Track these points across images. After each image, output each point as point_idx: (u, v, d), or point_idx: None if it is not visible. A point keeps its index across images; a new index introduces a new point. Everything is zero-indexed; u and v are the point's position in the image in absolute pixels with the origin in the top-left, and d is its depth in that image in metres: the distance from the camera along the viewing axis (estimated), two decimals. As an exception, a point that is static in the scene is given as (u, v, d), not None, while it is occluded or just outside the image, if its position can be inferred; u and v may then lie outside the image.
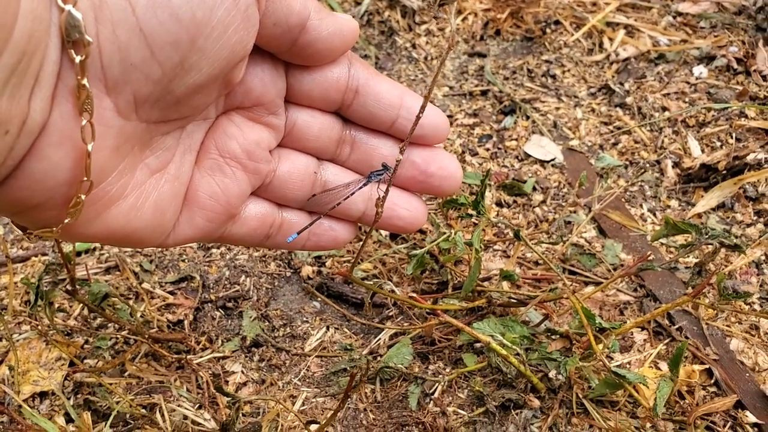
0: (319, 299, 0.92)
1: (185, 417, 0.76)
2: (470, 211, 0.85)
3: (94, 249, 0.97)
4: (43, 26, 0.30)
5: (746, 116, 1.19)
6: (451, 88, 1.33)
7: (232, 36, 0.35)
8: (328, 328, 0.88)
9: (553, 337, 0.82)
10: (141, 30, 0.32)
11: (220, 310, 0.90)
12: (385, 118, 0.47)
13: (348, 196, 0.52)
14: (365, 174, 0.51)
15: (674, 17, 1.48)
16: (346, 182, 0.51)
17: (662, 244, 0.99)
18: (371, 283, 0.93)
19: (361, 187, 0.52)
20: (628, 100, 1.26)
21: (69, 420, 0.76)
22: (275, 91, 0.44)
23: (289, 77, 0.44)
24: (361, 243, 0.99)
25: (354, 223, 0.52)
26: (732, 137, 1.15)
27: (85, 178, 0.34)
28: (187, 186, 0.43)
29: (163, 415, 0.74)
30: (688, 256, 0.97)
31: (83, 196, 0.35)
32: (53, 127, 0.32)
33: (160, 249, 0.97)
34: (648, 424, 0.75)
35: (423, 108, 0.45)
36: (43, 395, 0.79)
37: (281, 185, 0.48)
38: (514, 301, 0.86)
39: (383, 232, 1.01)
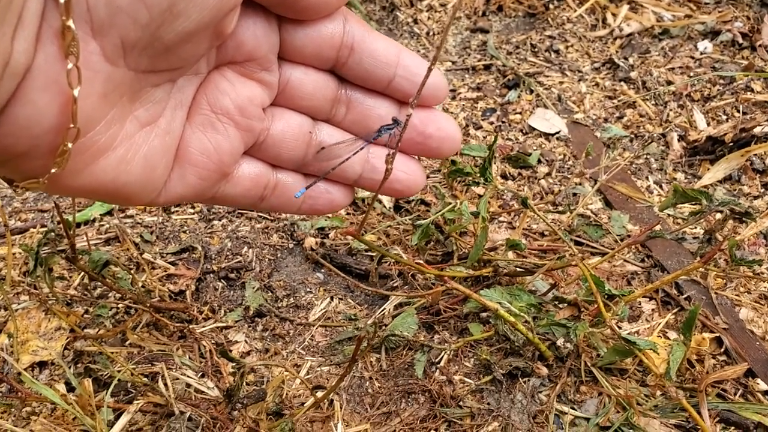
0: (323, 270, 0.91)
1: (188, 385, 0.74)
2: (476, 180, 0.84)
3: (94, 220, 0.96)
4: None
5: (752, 90, 1.18)
6: (453, 62, 1.31)
7: None
8: (332, 298, 0.87)
9: (561, 305, 0.81)
10: None
11: (222, 280, 0.89)
12: (381, 77, 0.46)
13: (358, 151, 0.50)
14: (362, 135, 0.49)
15: (678, -7, 1.47)
16: (353, 137, 0.50)
17: (669, 215, 0.98)
18: (372, 255, 0.92)
19: (371, 142, 0.50)
20: (633, 74, 1.25)
21: (70, 389, 0.74)
22: (268, 46, 0.42)
23: (282, 32, 0.42)
24: (365, 213, 0.98)
25: (351, 187, 0.51)
26: (738, 111, 1.14)
27: (72, 125, 0.32)
28: (178, 142, 0.41)
29: (165, 384, 0.73)
30: (696, 227, 0.96)
31: (70, 144, 0.33)
32: (38, 70, 0.31)
33: (161, 220, 0.96)
34: (658, 392, 0.74)
35: (433, 64, 0.44)
36: (42, 365, 0.78)
37: (275, 144, 0.46)
38: (521, 270, 0.85)
39: (387, 203, 0.99)
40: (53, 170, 0.34)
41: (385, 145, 0.50)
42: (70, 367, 0.77)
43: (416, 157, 0.50)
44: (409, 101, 0.47)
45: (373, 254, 0.93)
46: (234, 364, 0.70)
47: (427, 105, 0.47)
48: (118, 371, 0.75)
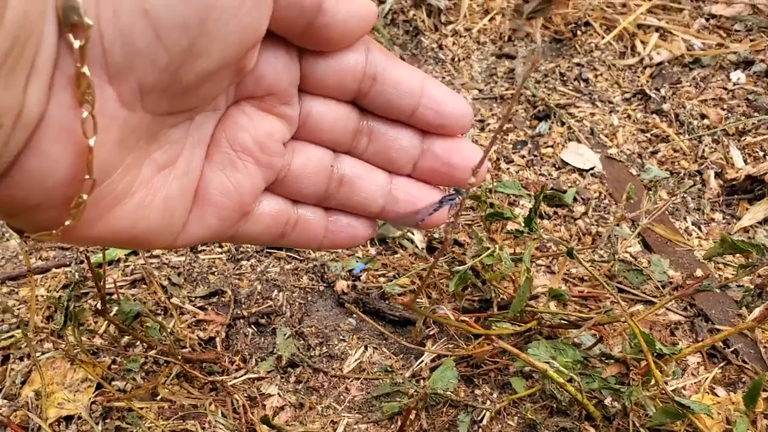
0: (355, 315, 0.88)
1: (222, 445, 0.71)
2: (520, 228, 0.81)
3: (118, 260, 0.93)
4: (38, 7, 0.27)
5: (789, 125, 1.15)
6: (480, 90, 1.29)
7: (244, 18, 0.31)
8: (366, 347, 0.84)
9: (608, 361, 0.78)
10: (146, 11, 0.28)
11: (252, 326, 0.86)
12: (404, 107, 0.43)
13: (421, 221, 0.48)
14: (384, 166, 0.46)
15: (707, 19, 1.44)
16: (415, 209, 0.48)
17: (710, 260, 0.96)
18: (421, 307, 0.89)
19: (432, 213, 0.48)
20: (665, 106, 1.22)
21: (99, 447, 0.71)
22: (288, 79, 0.39)
23: (302, 64, 0.40)
24: (427, 268, 0.95)
25: (373, 220, 0.48)
26: (775, 147, 1.11)
27: (87, 176, 0.30)
28: (197, 182, 0.39)
29: (200, 445, 0.70)
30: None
31: (85, 196, 0.31)
32: (51, 119, 0.29)
33: (188, 262, 0.93)
34: (711, 457, 0.72)
35: (486, 155, 0.42)
36: (69, 419, 0.75)
37: (296, 179, 0.44)
38: (565, 321, 0.82)
39: (419, 243, 0.96)
40: (68, 222, 0.32)
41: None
42: (98, 423, 0.74)
43: (441, 188, 0.48)
44: (438, 131, 0.45)
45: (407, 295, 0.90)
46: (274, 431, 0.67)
47: (450, 133, 0.45)
48: (149, 429, 0.72)
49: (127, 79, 0.30)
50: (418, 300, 0.88)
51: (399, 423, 0.74)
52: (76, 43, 0.28)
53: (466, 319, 0.72)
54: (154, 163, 0.36)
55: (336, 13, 0.36)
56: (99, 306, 0.73)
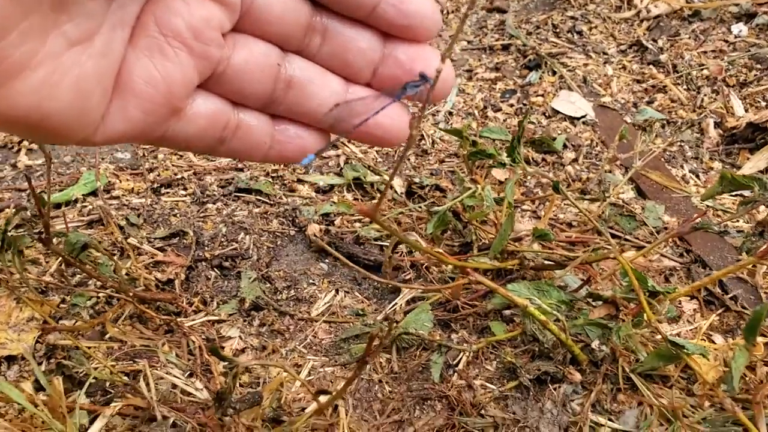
0: (328, 260, 0.82)
1: (174, 386, 0.66)
2: (501, 162, 0.75)
3: (76, 201, 0.87)
4: None
5: (793, 75, 1.09)
6: (469, 42, 1.23)
7: None
8: (337, 291, 0.79)
9: (596, 303, 0.72)
10: None
11: (215, 269, 0.80)
12: (363, 2, 0.37)
13: (378, 111, 0.42)
14: (339, 70, 0.40)
15: (708, -25, 1.38)
16: (373, 94, 0.41)
17: (709, 206, 0.90)
18: (382, 245, 0.84)
19: (395, 100, 0.42)
20: (662, 57, 1.16)
21: (40, 387, 0.65)
22: None
23: None
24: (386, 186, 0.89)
25: (326, 132, 0.42)
26: (778, 97, 1.05)
27: None
28: (118, 67, 0.33)
29: (147, 384, 0.64)
30: (739, 220, 0.88)
31: None
32: None
33: (150, 202, 0.87)
34: (707, 403, 0.66)
35: (447, 52, 0.36)
36: (11, 359, 0.69)
37: (236, 77, 0.38)
38: (550, 263, 0.76)
39: (398, 188, 0.90)
40: None
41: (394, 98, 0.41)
42: (41, 363, 0.68)
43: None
44: (401, 33, 0.39)
45: (384, 243, 0.84)
46: (225, 363, 0.61)
47: (415, 38, 0.39)
48: (95, 369, 0.66)
49: None
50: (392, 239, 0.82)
51: (368, 365, 0.68)
52: None
53: (440, 250, 0.66)
54: (64, 37, 0.30)
55: None
56: (44, 235, 0.67)
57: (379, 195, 0.92)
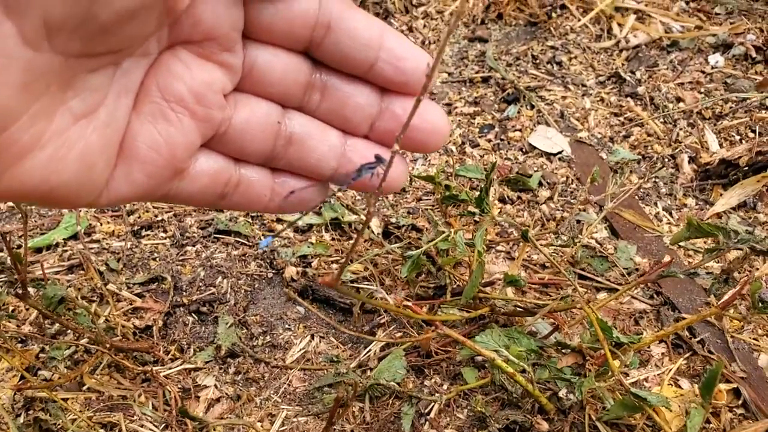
0: (304, 303, 0.83)
1: (149, 439, 0.67)
2: (472, 209, 0.76)
3: (57, 245, 0.88)
4: None
5: (767, 108, 1.11)
6: (449, 74, 1.24)
7: None
8: (312, 336, 0.80)
9: (564, 351, 0.74)
10: None
11: (193, 315, 0.81)
12: (361, 60, 0.38)
13: (331, 196, 0.43)
14: (338, 125, 0.42)
15: (687, 2, 1.40)
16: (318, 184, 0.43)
17: (680, 246, 0.91)
18: (361, 290, 0.85)
19: (348, 185, 0.43)
20: (640, 89, 1.18)
21: (17, 441, 0.67)
22: (230, 23, 0.35)
23: (247, 7, 0.35)
24: (352, 242, 0.91)
25: (325, 183, 0.43)
26: (752, 131, 1.07)
27: None
28: (122, 135, 0.34)
29: (122, 438, 0.66)
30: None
31: None
32: None
33: (129, 247, 0.88)
34: (670, 452, 0.67)
35: (430, 79, 0.37)
36: (-10, 411, 0.70)
37: (238, 136, 0.39)
38: (521, 309, 0.77)
39: (375, 229, 0.92)
40: None
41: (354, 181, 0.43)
42: (20, 415, 0.69)
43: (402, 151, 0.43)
44: (398, 89, 0.40)
45: (361, 286, 0.85)
46: (196, 423, 0.63)
47: (411, 92, 0.40)
48: (73, 421, 0.67)
49: (29, 14, 0.26)
50: (369, 287, 0.83)
51: (341, 417, 0.70)
52: None
53: (409, 304, 0.67)
54: (70, 112, 0.31)
55: None
56: (20, 290, 0.68)
57: (354, 232, 0.93)
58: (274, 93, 0.39)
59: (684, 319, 0.82)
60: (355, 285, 0.86)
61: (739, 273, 0.88)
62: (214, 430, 0.68)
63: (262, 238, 0.92)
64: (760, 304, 0.66)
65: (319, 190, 0.43)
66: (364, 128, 0.41)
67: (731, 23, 1.31)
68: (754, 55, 1.23)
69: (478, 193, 0.73)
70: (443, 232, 0.81)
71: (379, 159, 0.43)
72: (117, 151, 0.34)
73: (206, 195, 0.39)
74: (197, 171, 0.38)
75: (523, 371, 0.68)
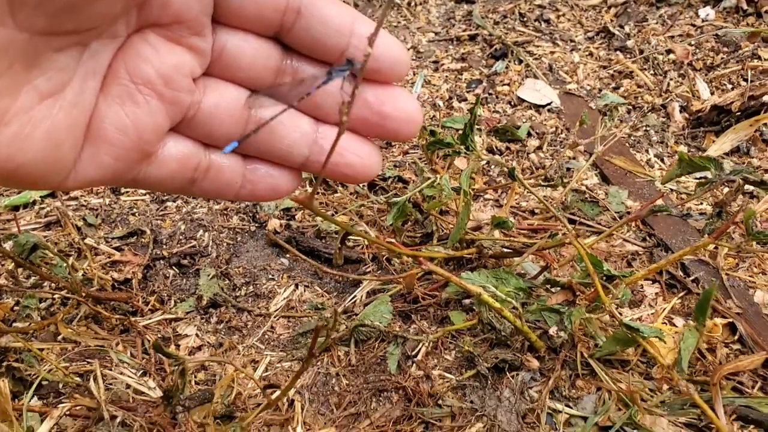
0: (289, 255, 0.81)
1: (127, 386, 0.65)
2: (457, 150, 0.74)
3: (34, 203, 0.86)
4: None
5: (759, 57, 1.09)
6: (436, 33, 1.22)
7: None
8: (297, 285, 0.78)
9: (554, 289, 0.72)
10: None
11: (173, 267, 0.79)
12: (332, 47, 0.38)
13: (303, 97, 0.41)
14: (308, 111, 0.40)
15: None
16: (297, 78, 0.41)
17: (672, 190, 0.89)
18: (339, 222, 0.83)
19: (320, 85, 0.41)
20: (629, 43, 1.16)
21: (-9, 391, 0.65)
22: (199, 7, 0.34)
23: None
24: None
25: (296, 171, 0.42)
26: (744, 79, 1.05)
27: None
28: (89, 116, 0.34)
29: (97, 383, 0.63)
30: (702, 203, 0.87)
31: None
32: None
33: (108, 202, 0.86)
34: (665, 386, 0.65)
35: (374, 34, 0.35)
36: (-37, 364, 0.68)
37: (207, 120, 0.38)
38: (509, 250, 0.75)
39: (360, 182, 0.90)
40: None
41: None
42: (-7, 367, 0.67)
43: (372, 139, 0.42)
44: (369, 75, 0.39)
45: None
46: (172, 360, 0.61)
47: (384, 80, 0.39)
48: (48, 371, 0.65)
49: None
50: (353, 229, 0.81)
51: (324, 358, 0.68)
52: None
53: (393, 240, 0.65)
54: (36, 91, 0.31)
55: None
56: (-10, 237, 0.66)
57: (339, 185, 0.91)
58: (243, 78, 0.38)
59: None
60: (335, 218, 0.84)
61: (732, 207, 0.86)
62: (195, 376, 0.66)
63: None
64: (755, 232, 0.64)
65: (291, 177, 0.42)
66: (336, 115, 0.39)
67: (721, -23, 1.29)
68: (745, 7, 1.21)
69: (462, 132, 0.71)
70: (429, 179, 0.79)
71: (350, 62, 0.41)
72: (84, 132, 0.34)
73: (175, 180, 0.38)
74: (166, 155, 0.37)
75: (513, 308, 0.66)
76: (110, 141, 0.34)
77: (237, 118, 0.38)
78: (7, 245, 0.77)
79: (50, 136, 0.32)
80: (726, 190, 0.85)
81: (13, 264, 0.76)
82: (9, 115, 0.30)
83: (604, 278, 0.67)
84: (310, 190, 0.89)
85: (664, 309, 0.74)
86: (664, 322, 0.74)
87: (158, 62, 0.34)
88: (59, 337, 0.69)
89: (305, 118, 0.40)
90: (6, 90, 0.29)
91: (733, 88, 1.04)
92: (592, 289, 0.68)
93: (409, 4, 1.28)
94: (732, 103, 0.98)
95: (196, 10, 0.33)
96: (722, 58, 1.11)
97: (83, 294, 0.69)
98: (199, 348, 0.71)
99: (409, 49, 1.18)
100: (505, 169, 0.91)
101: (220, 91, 0.38)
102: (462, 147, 0.72)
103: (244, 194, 0.41)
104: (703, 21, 1.20)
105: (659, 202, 0.84)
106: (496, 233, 0.78)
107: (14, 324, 0.71)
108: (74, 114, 0.33)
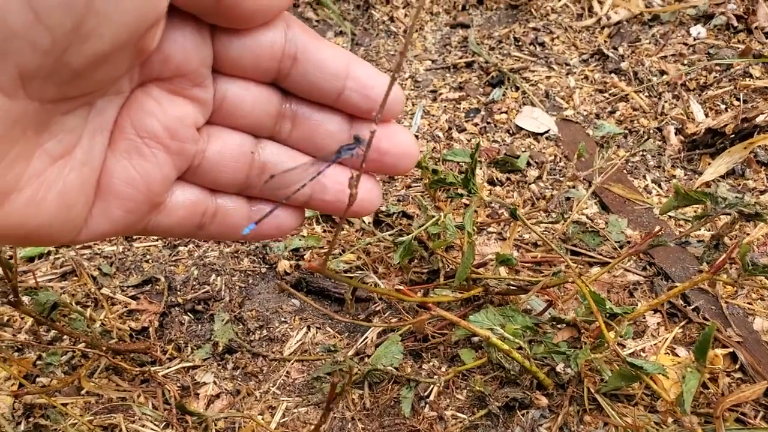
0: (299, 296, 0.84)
1: (150, 438, 0.67)
2: (460, 191, 0.77)
3: (48, 253, 0.88)
4: None
5: (751, 76, 1.11)
6: (433, 61, 1.24)
7: None
8: (309, 328, 0.80)
9: (559, 326, 0.74)
10: None
11: (188, 313, 0.81)
12: (329, 90, 0.40)
13: (314, 177, 0.43)
14: (310, 152, 0.42)
15: (666, -24, 1.40)
16: (308, 160, 0.43)
17: (671, 217, 0.91)
18: (352, 276, 0.85)
19: (330, 165, 0.43)
20: (623, 65, 1.18)
21: (19, 448, 0.67)
22: (199, 59, 0.35)
23: (215, 43, 0.36)
24: (336, 232, 0.91)
25: (300, 209, 0.44)
26: (737, 99, 1.07)
27: None
28: (99, 173, 0.35)
29: (123, 439, 0.66)
30: (700, 229, 0.89)
31: None
32: None
33: (122, 250, 0.88)
34: (670, 419, 0.67)
35: (393, 80, 0.37)
36: (-10, 421, 0.70)
37: (212, 168, 0.40)
38: (514, 288, 0.77)
39: (366, 218, 0.92)
40: None
41: (341, 163, 0.43)
42: (20, 423, 0.69)
43: (373, 174, 0.44)
44: (367, 116, 0.41)
45: (355, 275, 0.85)
46: (195, 418, 0.63)
47: (381, 118, 0.41)
48: (73, 425, 0.68)
49: (4, 65, 0.26)
50: (362, 275, 0.83)
51: (339, 402, 0.70)
52: None
53: (401, 287, 0.67)
54: (47, 154, 0.32)
55: None
56: (12, 297, 0.68)
57: (345, 223, 0.93)
58: (245, 124, 0.39)
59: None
60: (349, 274, 0.86)
61: (730, 239, 0.88)
62: (215, 424, 0.68)
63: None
64: (751, 267, 0.66)
65: (295, 214, 0.44)
66: (345, 158, 0.41)
67: (711, -6, 1.31)
68: (735, 24, 1.23)
69: (464, 174, 0.73)
70: (433, 217, 0.81)
71: (357, 139, 0.44)
72: (95, 189, 0.35)
73: (184, 226, 0.40)
74: (174, 203, 0.39)
75: (520, 348, 0.68)
76: (120, 195, 0.36)
77: (241, 163, 0.40)
78: (25, 298, 0.79)
79: (63, 197, 0.33)
80: (723, 220, 0.87)
81: (33, 321, 0.79)
82: (23, 181, 0.31)
83: (607, 315, 0.69)
84: (317, 228, 0.92)
85: (666, 339, 0.76)
86: (667, 353, 0.76)
87: (162, 115, 0.36)
88: (82, 392, 0.71)
89: (306, 158, 0.42)
90: (19, 157, 0.30)
91: (727, 109, 1.06)
92: (596, 327, 0.70)
93: (404, 32, 1.30)
94: (726, 125, 1.00)
95: (196, 62, 0.35)
96: (715, 77, 1.13)
97: (104, 348, 0.72)
98: (218, 396, 0.73)
99: (407, 79, 1.20)
100: (508, 202, 0.94)
101: (223, 139, 0.40)
102: (465, 190, 0.74)
103: (250, 235, 0.43)
104: (695, 39, 1.22)
105: (658, 233, 0.86)
106: (501, 270, 0.81)
107: (38, 379, 0.73)
108: (85, 172, 0.34)
